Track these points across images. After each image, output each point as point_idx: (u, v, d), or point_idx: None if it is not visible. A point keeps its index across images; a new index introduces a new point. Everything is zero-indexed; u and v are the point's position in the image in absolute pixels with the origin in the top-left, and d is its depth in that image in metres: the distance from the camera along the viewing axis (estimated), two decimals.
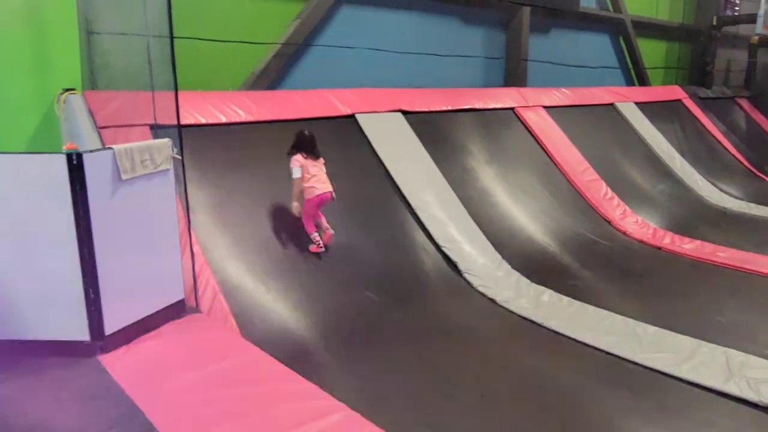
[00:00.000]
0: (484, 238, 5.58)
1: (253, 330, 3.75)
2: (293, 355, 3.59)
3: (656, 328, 4.28)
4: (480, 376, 3.69)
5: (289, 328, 3.93)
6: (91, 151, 2.87)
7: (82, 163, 2.75)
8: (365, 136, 5.88)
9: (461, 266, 5.11)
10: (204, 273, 3.86)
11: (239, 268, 4.17)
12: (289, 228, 4.59)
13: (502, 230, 5.94)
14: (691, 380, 3.59)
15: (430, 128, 6.55)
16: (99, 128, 4.20)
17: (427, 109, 6.71)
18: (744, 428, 3.16)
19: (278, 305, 4.05)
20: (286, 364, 2.85)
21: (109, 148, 2.94)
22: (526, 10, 8.54)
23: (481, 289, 4.93)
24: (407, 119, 6.38)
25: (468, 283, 5.01)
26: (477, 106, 7.34)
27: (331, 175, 4.62)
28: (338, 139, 5.66)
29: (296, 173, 4.33)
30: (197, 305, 3.62)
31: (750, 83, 14.53)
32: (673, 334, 4.19)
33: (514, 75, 8.74)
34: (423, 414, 3.23)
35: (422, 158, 6.05)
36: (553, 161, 7.47)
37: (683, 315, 4.66)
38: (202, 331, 3.23)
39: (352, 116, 5.97)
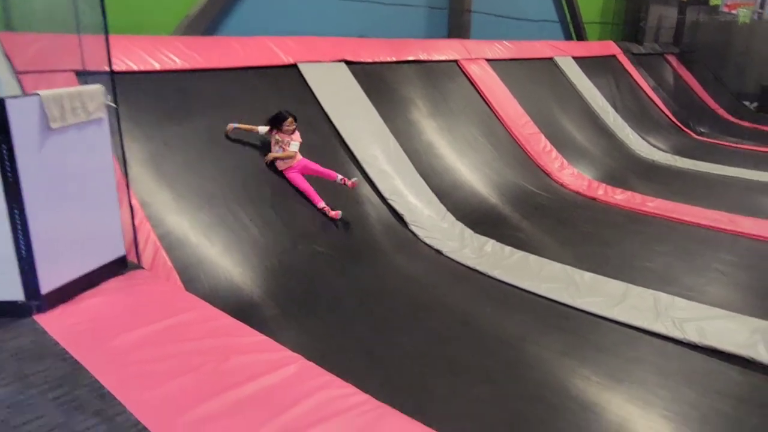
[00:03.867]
0: (429, 190, 5.63)
1: (199, 286, 3.67)
2: (241, 309, 3.55)
3: (592, 274, 4.50)
4: (428, 324, 3.78)
5: (236, 283, 3.87)
6: (15, 97, 2.64)
7: (5, 110, 2.52)
8: (308, 87, 5.72)
9: (408, 218, 5.16)
10: (144, 228, 3.70)
11: (181, 223, 4.02)
12: (232, 181, 4.45)
13: (446, 182, 6.01)
14: (623, 321, 3.83)
15: (375, 80, 6.45)
16: (18, 74, 3.86)
17: (371, 60, 6.58)
18: (669, 363, 3.41)
19: (224, 260, 3.96)
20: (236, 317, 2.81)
21: (35, 93, 2.71)
22: None
23: (427, 240, 5.00)
24: (351, 70, 6.24)
25: (414, 235, 5.07)
26: (421, 57, 7.27)
27: None
28: (280, 89, 5.47)
29: (261, 129, 4.82)
30: (139, 261, 3.48)
31: (679, 40, 15.09)
32: (606, 279, 4.43)
33: (457, 27, 8.68)
34: (374, 362, 3.30)
35: (368, 111, 5.97)
36: (495, 114, 7.56)
37: (616, 261, 4.93)
38: (145, 287, 3.11)
39: (294, 66, 5.78)
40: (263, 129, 4.77)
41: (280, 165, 4.79)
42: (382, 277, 4.40)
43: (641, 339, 3.67)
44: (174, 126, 4.50)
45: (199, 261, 3.85)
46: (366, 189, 5.25)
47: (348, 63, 6.28)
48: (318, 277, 4.20)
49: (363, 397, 2.05)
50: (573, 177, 7.30)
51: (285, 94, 5.48)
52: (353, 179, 4.85)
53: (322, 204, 4.75)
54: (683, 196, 6.97)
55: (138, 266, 3.39)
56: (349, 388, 2.09)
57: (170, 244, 3.80)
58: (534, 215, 5.99)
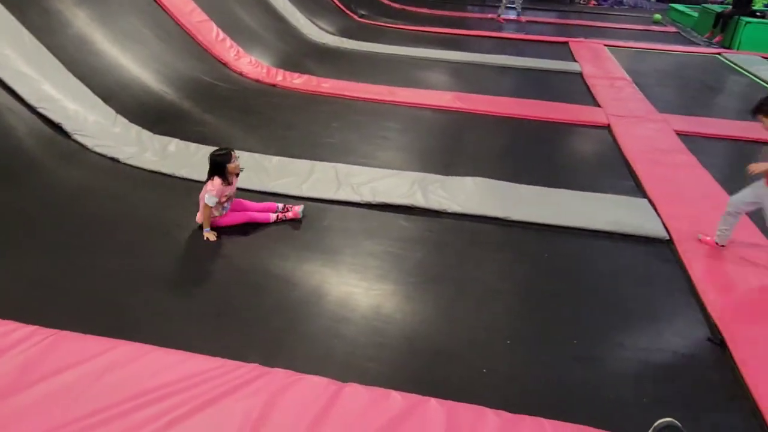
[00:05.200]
0: (90, 92, 4.91)
1: None
2: None
3: (279, 157, 4.66)
4: (117, 239, 3.46)
5: None
6: None
7: None
8: None
9: (68, 127, 4.46)
10: None
11: None
12: None
13: (111, 82, 5.31)
14: (311, 196, 4.12)
15: None
16: None
17: None
18: (353, 224, 3.83)
19: None
20: None
21: None
22: None
23: (98, 149, 4.44)
24: None
25: (81, 145, 4.44)
26: None
27: None
28: None
29: (210, 201, 3.42)
30: None
31: None
32: (292, 160, 4.65)
33: None
34: (58, 293, 2.91)
35: None
36: (157, 2, 6.82)
37: (299, 142, 5.19)
38: None
39: None
40: (212, 200, 3.40)
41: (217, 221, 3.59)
42: (46, 196, 3.79)
43: (328, 209, 4.01)
44: None
45: None
46: (2, 96, 4.30)
47: None
48: None
49: (28, 329, 1.78)
50: (251, 65, 7.22)
51: None
52: (298, 206, 3.82)
53: (274, 216, 3.73)
54: (352, 74, 7.57)
55: None
56: (10, 325, 1.79)
57: None
58: (216, 108, 5.81)
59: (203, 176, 4.20)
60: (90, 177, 4.16)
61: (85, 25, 5.63)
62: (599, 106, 6.77)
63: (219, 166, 3.42)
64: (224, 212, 3.62)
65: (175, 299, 2.99)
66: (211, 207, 3.44)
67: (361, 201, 4.08)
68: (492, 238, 3.77)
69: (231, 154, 3.46)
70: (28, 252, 3.26)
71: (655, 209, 4.13)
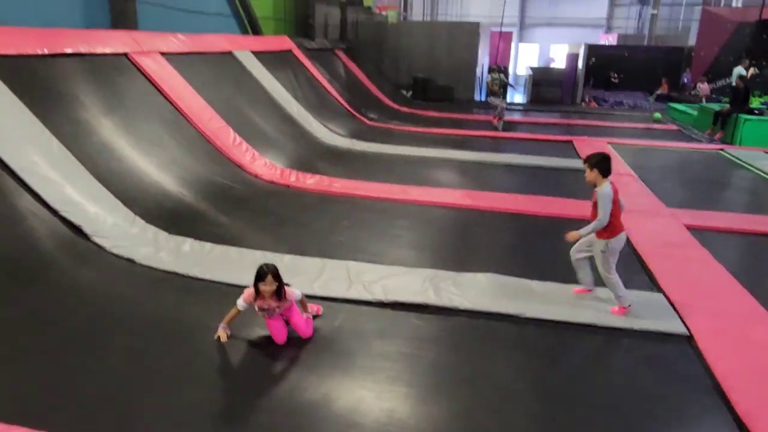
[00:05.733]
0: (111, 196, 5.10)
1: None
2: None
3: (291, 255, 4.72)
4: (121, 339, 3.44)
5: None
6: None
7: None
8: None
9: (87, 229, 4.58)
10: None
11: None
12: None
13: (131, 185, 5.52)
14: (323, 295, 4.11)
15: (24, 75, 5.49)
16: None
17: (15, 53, 5.57)
18: (365, 324, 3.79)
19: None
20: None
21: None
22: None
23: (115, 250, 4.53)
24: None
25: (99, 246, 4.53)
26: (82, 50, 6.46)
27: None
28: None
29: (239, 304, 3.41)
30: None
31: (344, 37, 16.77)
32: (304, 258, 4.70)
33: (122, 16, 7.98)
34: (61, 396, 2.85)
35: (17, 112, 5.05)
36: (178, 110, 7.23)
37: (311, 240, 5.26)
38: None
39: None
40: (241, 304, 3.42)
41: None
42: (63, 298, 3.82)
43: (340, 308, 3.98)
44: None
45: None
46: (27, 201, 4.46)
47: None
48: None
49: None
50: (266, 167, 7.50)
51: None
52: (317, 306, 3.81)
53: (311, 332, 3.60)
54: (363, 174, 7.82)
55: None
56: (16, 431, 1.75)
57: None
58: (231, 209, 5.97)
59: (216, 275, 4.26)
60: (105, 278, 4.21)
61: (110, 132, 5.95)
62: None
63: (255, 278, 3.36)
64: (273, 315, 3.46)
65: (185, 401, 2.91)
66: (238, 309, 3.43)
67: (372, 299, 4.06)
68: (506, 335, 3.70)
69: (266, 276, 3.31)
70: (39, 354, 3.24)
71: (672, 304, 4.07)
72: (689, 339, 3.65)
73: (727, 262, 4.83)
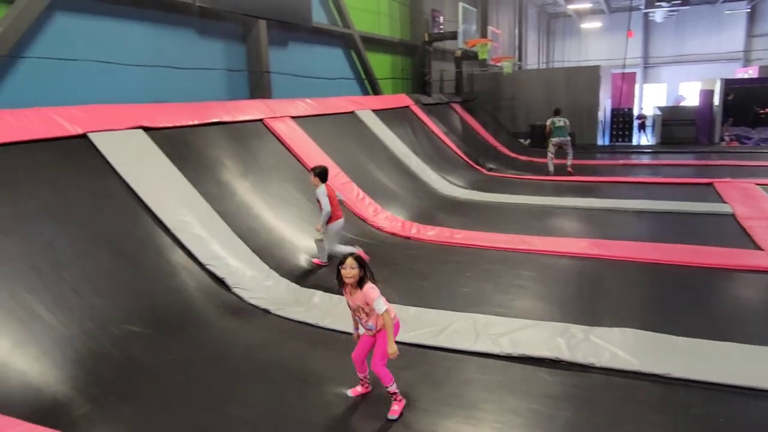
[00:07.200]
0: (249, 250, 5.51)
1: None
2: (44, 412, 3.08)
3: (415, 308, 4.75)
4: (260, 386, 3.63)
5: (33, 382, 3.34)
6: None
7: None
8: (103, 158, 5.31)
9: (229, 282, 4.97)
10: None
11: None
12: (21, 266, 3.89)
13: (266, 241, 5.93)
14: (448, 347, 4.08)
15: (178, 144, 6.21)
16: None
17: (172, 125, 6.35)
18: (493, 378, 3.69)
19: (15, 358, 3.40)
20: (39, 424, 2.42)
21: None
22: (262, 23, 8.66)
23: (252, 301, 4.86)
24: (150, 136, 5.95)
25: (239, 297, 4.89)
26: (225, 119, 7.20)
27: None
28: (68, 163, 5.00)
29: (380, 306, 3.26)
30: None
31: (460, 90, 17.09)
32: (428, 310, 4.70)
33: (259, 87, 8.80)
34: None
35: (173, 176, 5.70)
36: (307, 169, 7.72)
37: (434, 292, 5.27)
38: None
39: (83, 136, 5.33)
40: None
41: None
42: (208, 346, 4.14)
43: (466, 360, 3.92)
44: None
45: None
46: (179, 256, 4.96)
47: (146, 129, 5.97)
48: (135, 361, 3.81)
49: None
50: (387, 220, 7.72)
51: (76, 167, 5.01)
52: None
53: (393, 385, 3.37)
54: (483, 224, 7.76)
55: None
56: None
57: None
58: None
59: (344, 326, 4.38)
60: (244, 327, 4.51)
61: (247, 192, 6.49)
62: (761, 248, 6.19)
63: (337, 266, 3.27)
64: (363, 322, 3.36)
65: None
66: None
67: (501, 353, 3.95)
68: (650, 397, 3.41)
69: (347, 259, 3.19)
70: (180, 395, 3.49)
71: None
72: None
73: None
